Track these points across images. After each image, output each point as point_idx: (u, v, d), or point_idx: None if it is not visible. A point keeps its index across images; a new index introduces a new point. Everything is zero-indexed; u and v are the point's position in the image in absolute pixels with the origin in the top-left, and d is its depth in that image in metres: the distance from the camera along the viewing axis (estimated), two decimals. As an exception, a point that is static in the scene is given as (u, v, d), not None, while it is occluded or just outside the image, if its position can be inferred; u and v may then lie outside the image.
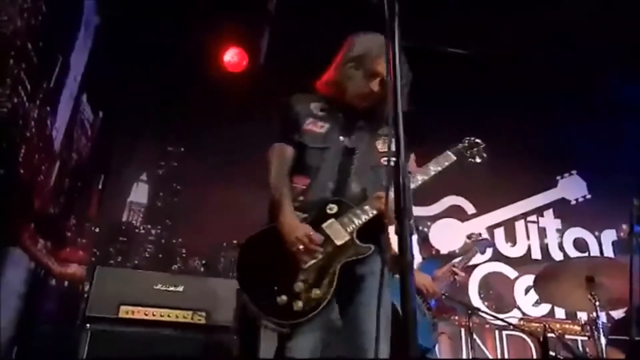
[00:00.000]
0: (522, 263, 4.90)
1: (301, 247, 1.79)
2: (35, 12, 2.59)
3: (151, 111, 4.58)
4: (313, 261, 1.81)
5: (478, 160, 2.32)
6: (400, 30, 1.28)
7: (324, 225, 1.88)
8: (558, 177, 5.48)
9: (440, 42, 5.03)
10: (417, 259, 3.24)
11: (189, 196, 4.41)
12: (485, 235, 4.98)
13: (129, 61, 4.33)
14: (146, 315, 2.86)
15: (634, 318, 2.38)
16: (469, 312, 3.63)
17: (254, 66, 4.62)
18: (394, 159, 1.95)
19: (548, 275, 3.02)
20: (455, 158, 2.15)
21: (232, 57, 4.53)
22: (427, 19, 4.41)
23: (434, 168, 2.06)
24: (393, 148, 1.98)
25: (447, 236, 4.94)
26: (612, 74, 5.14)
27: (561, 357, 3.02)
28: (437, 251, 3.79)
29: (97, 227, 4.28)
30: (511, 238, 5.11)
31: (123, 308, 2.87)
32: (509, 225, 5.13)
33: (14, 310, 3.18)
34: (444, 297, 3.80)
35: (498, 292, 4.78)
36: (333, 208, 1.91)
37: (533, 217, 5.23)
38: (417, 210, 4.94)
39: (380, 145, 2.03)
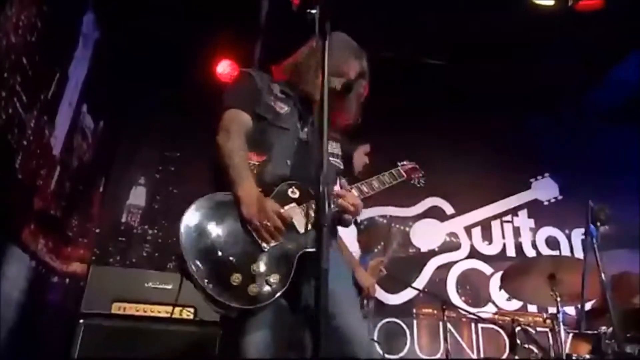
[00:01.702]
0: (497, 260, 4.89)
1: (268, 224, 1.56)
2: (30, 29, 2.59)
3: (149, 119, 4.59)
4: (275, 243, 1.59)
5: (419, 185, 2.23)
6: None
7: (286, 208, 1.67)
8: (532, 180, 5.48)
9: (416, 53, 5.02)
10: (357, 253, 3.28)
11: (184, 199, 4.39)
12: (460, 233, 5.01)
13: (128, 73, 4.34)
14: (137, 311, 2.87)
15: (583, 314, 2.37)
16: (443, 306, 3.62)
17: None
18: (341, 165, 1.93)
19: (514, 273, 3.03)
20: (399, 180, 2.07)
21: (224, 68, 4.52)
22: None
23: (377, 185, 1.94)
24: (339, 152, 1.96)
25: (427, 235, 4.95)
26: (580, 80, 5.14)
27: (526, 346, 3.02)
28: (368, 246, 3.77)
29: (98, 227, 4.27)
30: (487, 237, 5.10)
31: (116, 304, 2.88)
32: (485, 225, 5.12)
33: (17, 305, 3.17)
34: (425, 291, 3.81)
35: (474, 288, 4.77)
36: (295, 192, 1.72)
37: (508, 217, 5.22)
38: (399, 211, 4.94)
39: (329, 147, 1.88)
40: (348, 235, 3.37)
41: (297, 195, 1.71)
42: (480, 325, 4.54)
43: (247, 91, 1.79)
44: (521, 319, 4.53)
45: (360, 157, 3.05)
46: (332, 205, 1.73)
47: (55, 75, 3.13)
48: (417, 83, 5.01)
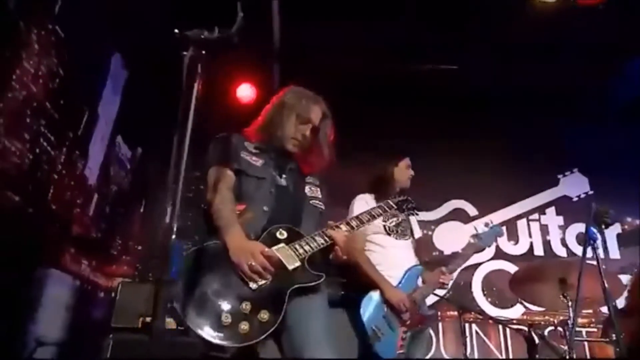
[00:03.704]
0: (524, 260, 4.59)
1: (253, 263, 1.58)
2: (51, 77, 2.75)
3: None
4: (263, 282, 1.61)
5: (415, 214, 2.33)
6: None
7: (274, 248, 1.69)
8: (559, 176, 5.11)
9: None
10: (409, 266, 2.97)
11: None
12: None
13: (157, 104, 4.51)
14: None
15: (575, 321, 2.15)
16: (460, 310, 3.43)
17: (264, 99, 4.66)
18: (322, 206, 1.93)
19: (522, 277, 2.83)
20: (390, 212, 2.15)
21: (244, 92, 4.59)
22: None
23: (367, 218, 1.97)
24: (319, 195, 1.96)
25: (450, 238, 4.74)
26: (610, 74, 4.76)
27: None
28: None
29: (140, 245, 4.46)
30: (513, 236, 4.81)
31: (142, 319, 2.96)
32: (510, 225, 4.83)
33: (64, 322, 3.38)
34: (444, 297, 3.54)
35: (500, 289, 4.50)
36: (283, 233, 1.75)
37: (535, 216, 4.91)
38: (421, 215, 4.76)
39: (308, 191, 1.95)
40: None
41: (285, 236, 1.75)
42: (508, 327, 4.27)
43: (226, 149, 1.87)
44: (554, 319, 4.28)
45: (403, 171, 2.97)
46: (320, 242, 1.75)
47: (84, 114, 3.32)
48: (435, 83, 4.84)
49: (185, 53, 1.17)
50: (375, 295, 2.66)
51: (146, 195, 4.64)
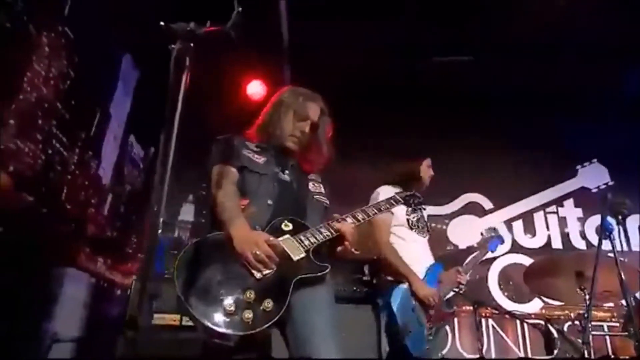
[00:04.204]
0: (542, 253, 4.49)
1: (258, 252, 1.57)
2: (62, 78, 2.79)
3: (192, 142, 4.77)
4: (267, 271, 1.60)
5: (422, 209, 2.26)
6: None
7: (280, 239, 1.68)
8: (578, 167, 4.98)
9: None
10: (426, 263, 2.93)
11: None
12: (500, 228, 4.65)
13: (168, 103, 4.54)
14: (174, 321, 2.96)
15: (589, 318, 2.08)
16: (475, 305, 3.37)
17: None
18: (327, 201, 1.93)
19: (537, 271, 2.76)
20: (396, 205, 2.11)
21: (254, 88, 4.60)
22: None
23: (373, 212, 1.93)
24: (322, 190, 1.96)
25: (465, 232, 4.67)
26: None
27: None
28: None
29: (155, 243, 4.51)
30: (530, 230, 4.71)
31: (156, 315, 3.00)
32: (527, 218, 4.74)
33: (82, 319, 3.45)
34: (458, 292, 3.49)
35: (517, 283, 4.41)
36: (288, 225, 1.75)
37: (552, 208, 4.79)
38: (435, 210, 4.72)
39: (312, 187, 1.95)
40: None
41: (290, 227, 1.74)
42: (525, 322, 4.18)
43: (228, 149, 1.88)
44: (573, 313, 4.18)
45: (425, 170, 2.96)
46: (325, 234, 1.74)
47: (96, 114, 3.36)
48: (449, 76, 4.76)
49: (172, 46, 1.16)
50: (404, 288, 2.60)
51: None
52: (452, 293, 3.12)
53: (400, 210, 2.72)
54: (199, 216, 4.57)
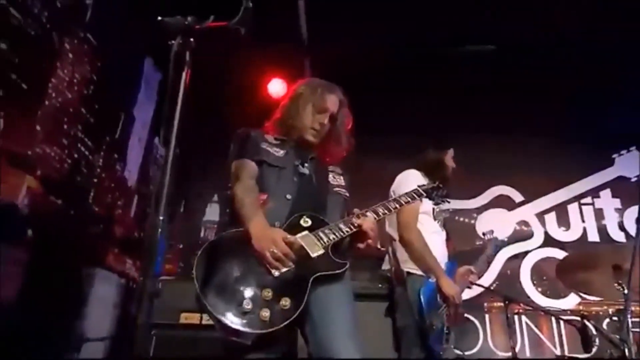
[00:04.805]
0: (577, 246, 4.31)
1: (275, 250, 1.55)
2: (86, 83, 2.85)
3: (216, 143, 4.81)
4: (285, 269, 1.57)
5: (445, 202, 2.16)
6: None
7: (298, 236, 1.65)
8: (614, 155, 4.75)
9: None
10: (444, 258, 2.86)
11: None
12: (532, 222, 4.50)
13: (191, 105, 4.59)
14: (199, 320, 2.99)
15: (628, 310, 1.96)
16: (506, 302, 3.26)
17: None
18: (347, 194, 1.89)
19: (572, 264, 2.64)
20: (418, 199, 2.03)
21: (275, 87, 4.60)
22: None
23: (394, 206, 1.88)
24: (342, 182, 1.92)
25: (495, 226, 4.51)
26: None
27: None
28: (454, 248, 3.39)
29: (181, 243, 4.59)
30: (564, 222, 4.52)
31: (183, 315, 3.04)
32: (560, 210, 4.55)
33: (113, 318, 3.53)
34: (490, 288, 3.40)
35: (551, 278, 4.25)
36: (307, 221, 1.71)
37: (588, 199, 4.58)
38: (462, 204, 4.60)
39: (332, 179, 1.91)
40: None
41: (309, 223, 1.72)
42: (561, 318, 4.03)
43: (247, 143, 1.86)
44: (612, 309, 3.99)
45: (449, 162, 2.91)
46: (345, 230, 1.71)
47: (120, 118, 3.43)
48: (475, 65, 4.62)
49: (172, 42, 1.14)
50: (431, 284, 2.52)
51: (186, 196, 4.77)
52: (480, 288, 3.06)
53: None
54: (224, 215, 4.61)
